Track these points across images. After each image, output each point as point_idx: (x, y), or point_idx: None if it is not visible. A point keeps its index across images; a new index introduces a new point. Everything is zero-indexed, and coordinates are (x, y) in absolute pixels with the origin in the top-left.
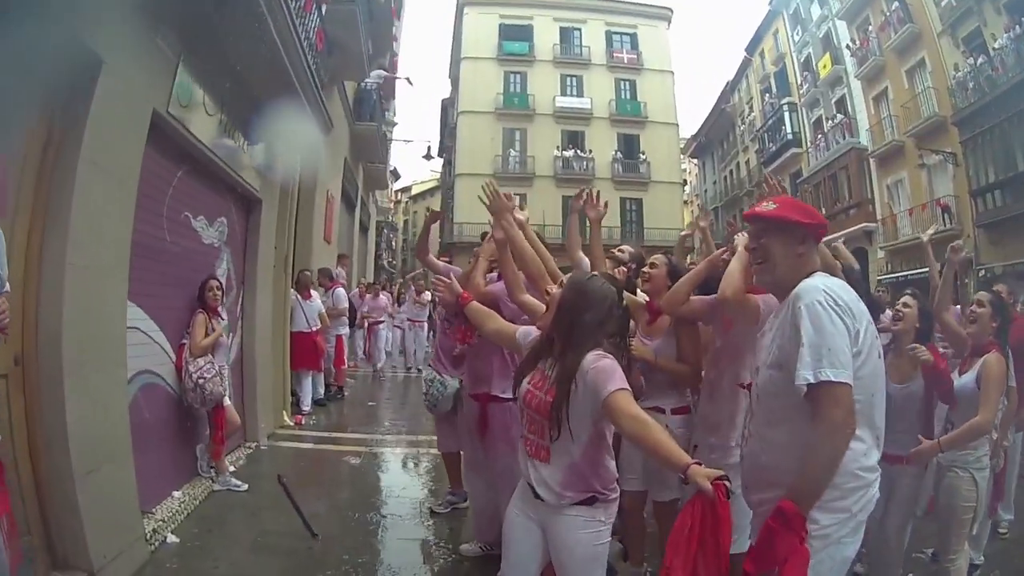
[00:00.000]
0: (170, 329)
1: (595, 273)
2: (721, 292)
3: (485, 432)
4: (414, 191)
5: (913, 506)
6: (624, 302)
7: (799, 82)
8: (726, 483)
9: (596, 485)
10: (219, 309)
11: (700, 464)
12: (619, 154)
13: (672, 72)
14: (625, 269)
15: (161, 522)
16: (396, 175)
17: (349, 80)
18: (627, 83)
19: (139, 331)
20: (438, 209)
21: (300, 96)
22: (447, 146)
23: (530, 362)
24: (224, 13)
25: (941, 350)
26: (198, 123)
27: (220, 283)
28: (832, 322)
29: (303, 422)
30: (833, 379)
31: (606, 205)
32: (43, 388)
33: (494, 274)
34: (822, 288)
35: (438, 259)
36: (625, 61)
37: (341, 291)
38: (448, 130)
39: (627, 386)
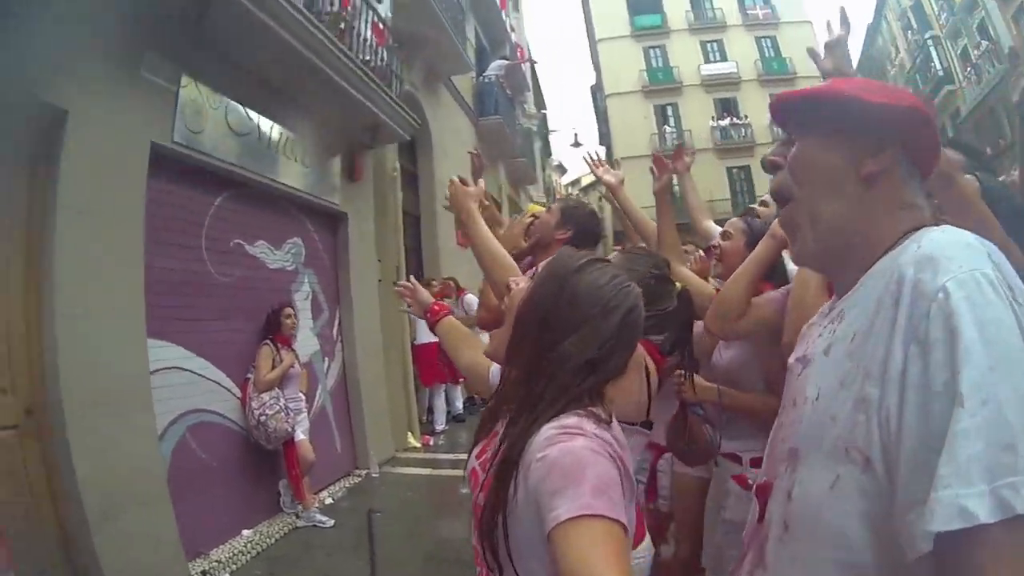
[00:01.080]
0: (231, 364)
1: (593, 255)
2: (718, 319)
3: None
4: (583, 182)
5: None
6: (679, 288)
7: (936, 12)
8: None
9: None
10: (291, 338)
11: None
12: None
13: (810, 22)
14: (712, 249)
15: (217, 563)
16: (562, 169)
17: (457, 75)
18: (768, 40)
19: (181, 370)
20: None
21: (355, 96)
22: (603, 132)
23: (485, 423)
24: (219, 27)
25: None
26: (223, 145)
27: (294, 311)
28: (1019, 342)
29: (431, 443)
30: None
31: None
32: (54, 438)
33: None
34: (986, 252)
35: None
36: (760, 17)
37: (471, 297)
38: (601, 116)
39: (609, 510)
